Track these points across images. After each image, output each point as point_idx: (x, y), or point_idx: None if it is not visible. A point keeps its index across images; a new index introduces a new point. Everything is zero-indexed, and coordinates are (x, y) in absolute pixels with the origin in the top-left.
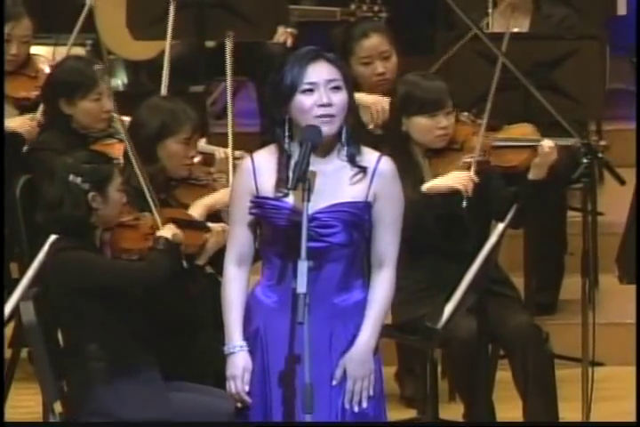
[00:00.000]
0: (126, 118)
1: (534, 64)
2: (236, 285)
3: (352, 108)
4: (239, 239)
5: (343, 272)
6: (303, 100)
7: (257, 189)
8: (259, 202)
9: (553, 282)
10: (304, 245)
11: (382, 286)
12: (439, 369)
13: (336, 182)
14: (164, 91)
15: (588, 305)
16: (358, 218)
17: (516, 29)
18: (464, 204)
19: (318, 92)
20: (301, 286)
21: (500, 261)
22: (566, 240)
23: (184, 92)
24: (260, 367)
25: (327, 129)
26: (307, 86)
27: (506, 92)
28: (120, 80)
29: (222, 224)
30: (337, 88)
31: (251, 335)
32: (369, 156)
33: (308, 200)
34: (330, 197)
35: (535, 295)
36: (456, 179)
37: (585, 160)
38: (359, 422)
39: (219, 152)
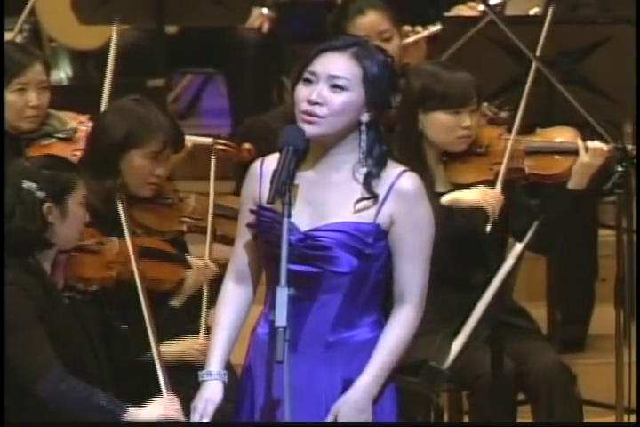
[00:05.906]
0: (71, 114)
1: (558, 54)
2: (228, 303)
3: (373, 121)
4: (239, 253)
5: (342, 306)
6: (298, 91)
7: (260, 197)
8: (256, 212)
9: (581, 314)
10: (284, 268)
11: (398, 325)
12: (445, 417)
13: (343, 197)
14: (107, 86)
15: (623, 341)
16: (360, 242)
17: (534, 10)
18: (488, 228)
19: (316, 85)
20: (280, 318)
21: (517, 289)
22: (597, 263)
23: (141, 88)
24: (248, 409)
25: (310, 129)
26: (307, 75)
27: (525, 86)
28: (64, 72)
29: (205, 259)
30: (339, 87)
31: (244, 370)
32: (389, 171)
33: (289, 216)
34: (331, 213)
35: (560, 329)
36: (485, 196)
37: (619, 168)
38: (359, 423)
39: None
